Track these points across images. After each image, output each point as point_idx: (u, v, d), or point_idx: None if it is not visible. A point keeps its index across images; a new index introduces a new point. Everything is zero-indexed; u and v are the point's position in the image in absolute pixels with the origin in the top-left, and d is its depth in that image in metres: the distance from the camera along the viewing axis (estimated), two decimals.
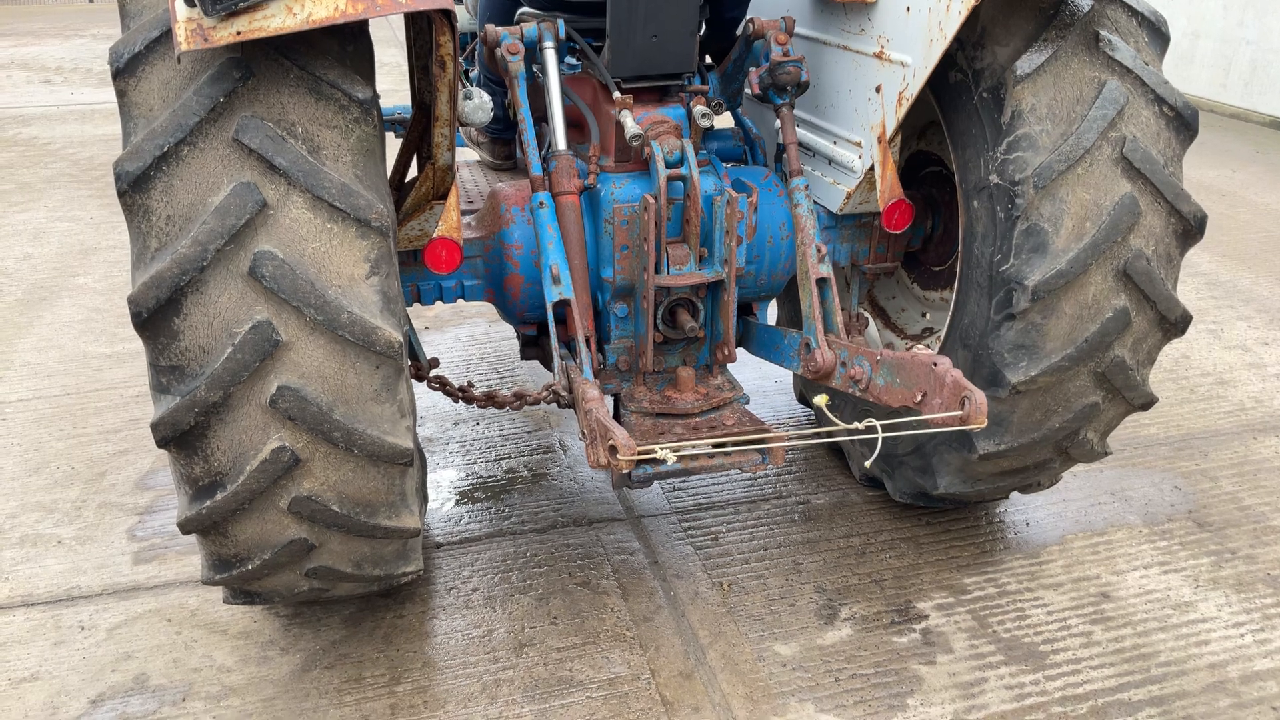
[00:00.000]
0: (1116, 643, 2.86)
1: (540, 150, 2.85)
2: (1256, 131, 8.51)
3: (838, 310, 2.75)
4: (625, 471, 2.69)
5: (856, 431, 2.15)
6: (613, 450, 2.18)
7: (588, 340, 2.68)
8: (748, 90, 2.96)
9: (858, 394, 2.63)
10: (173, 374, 2.06)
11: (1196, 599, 3.03)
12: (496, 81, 3.38)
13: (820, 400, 2.20)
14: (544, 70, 2.80)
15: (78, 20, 14.57)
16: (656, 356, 2.93)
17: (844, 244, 3.14)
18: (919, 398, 2.40)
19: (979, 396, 2.22)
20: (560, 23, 2.81)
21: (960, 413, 2.24)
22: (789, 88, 2.84)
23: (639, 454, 2.17)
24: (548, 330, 2.74)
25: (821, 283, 2.75)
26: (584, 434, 2.38)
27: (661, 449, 2.13)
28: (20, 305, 5.04)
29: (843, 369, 2.68)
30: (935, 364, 2.36)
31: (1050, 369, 2.56)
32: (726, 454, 2.78)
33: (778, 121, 2.91)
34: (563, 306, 2.65)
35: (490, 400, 2.86)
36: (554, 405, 2.72)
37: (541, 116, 2.98)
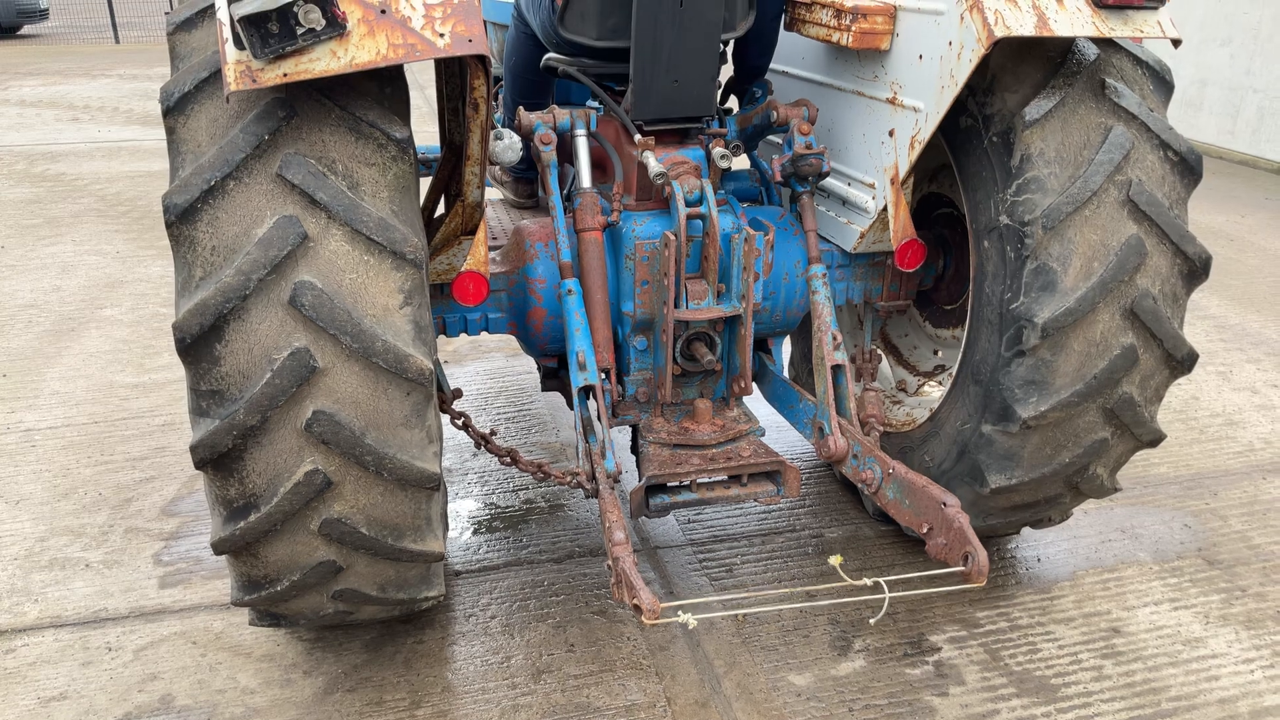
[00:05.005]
0: (1127, 677, 2.89)
1: (563, 190, 2.95)
2: (1265, 178, 8.60)
3: (851, 396, 2.86)
4: (643, 500, 2.77)
5: (866, 590, 2.28)
6: (636, 609, 2.21)
7: (610, 378, 2.74)
8: (768, 164, 3.07)
9: (867, 493, 2.74)
10: (213, 398, 2.14)
11: (1207, 635, 3.06)
12: None
13: (835, 561, 2.32)
14: (575, 155, 2.94)
15: (104, 60, 14.92)
16: (674, 388, 3.01)
17: (857, 282, 3.22)
18: (925, 529, 2.52)
19: (982, 557, 2.32)
20: (593, 115, 2.96)
21: (963, 568, 2.35)
22: (810, 177, 2.96)
23: (660, 618, 2.19)
24: (568, 366, 2.82)
25: (836, 369, 2.86)
26: (609, 568, 2.42)
27: (684, 614, 2.15)
28: (49, 336, 5.16)
29: (854, 461, 2.79)
30: (945, 504, 2.45)
31: (1060, 404, 2.62)
32: (742, 485, 2.86)
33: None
34: (588, 392, 2.74)
35: (512, 459, 2.87)
36: (573, 443, 2.78)
37: (566, 158, 3.09)
